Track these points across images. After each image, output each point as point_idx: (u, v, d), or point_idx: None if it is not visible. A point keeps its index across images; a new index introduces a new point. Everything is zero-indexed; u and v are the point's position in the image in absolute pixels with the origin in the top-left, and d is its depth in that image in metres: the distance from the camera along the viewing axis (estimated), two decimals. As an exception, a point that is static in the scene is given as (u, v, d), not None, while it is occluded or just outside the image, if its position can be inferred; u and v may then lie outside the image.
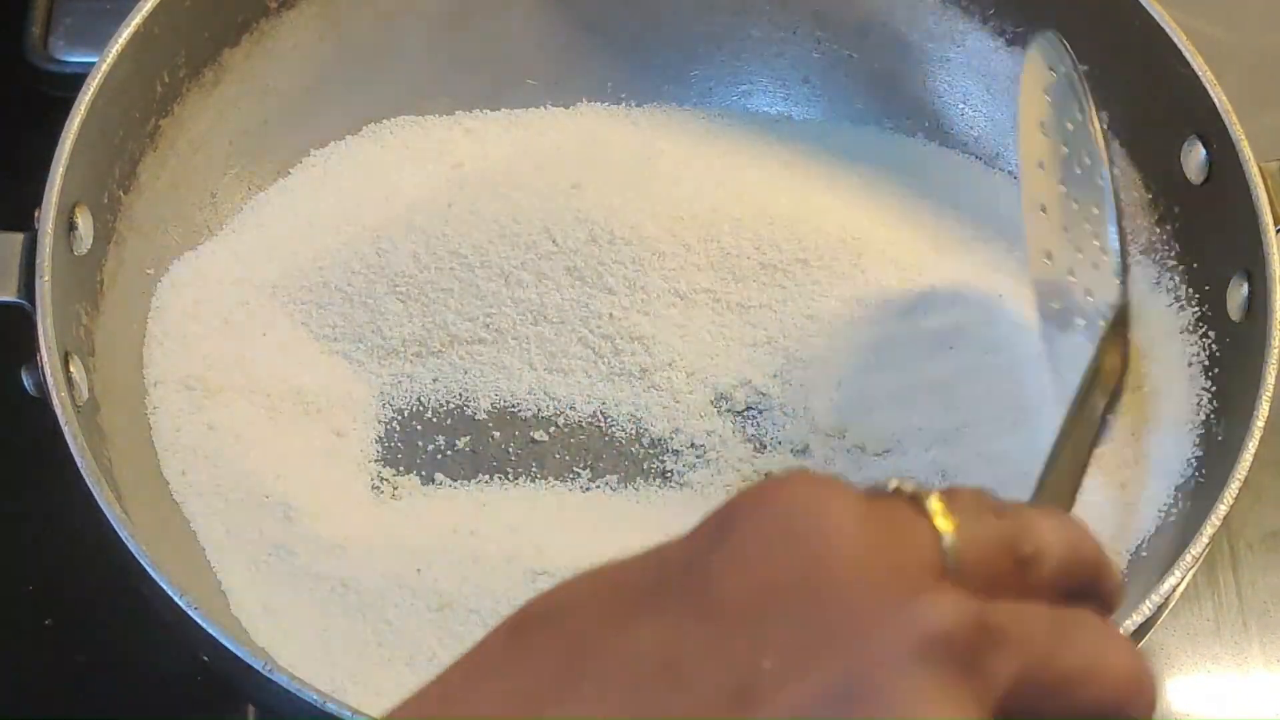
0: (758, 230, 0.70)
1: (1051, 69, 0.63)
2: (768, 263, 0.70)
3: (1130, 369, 0.63)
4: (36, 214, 0.61)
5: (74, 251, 0.63)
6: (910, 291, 0.70)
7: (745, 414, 0.69)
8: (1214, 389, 0.66)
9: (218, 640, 0.54)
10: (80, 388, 0.61)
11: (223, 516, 0.64)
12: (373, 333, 0.69)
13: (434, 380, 0.69)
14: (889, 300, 0.70)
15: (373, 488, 0.67)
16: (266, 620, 0.62)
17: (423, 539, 0.64)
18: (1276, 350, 0.61)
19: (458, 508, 0.66)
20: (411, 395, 0.69)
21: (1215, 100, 0.65)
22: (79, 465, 0.57)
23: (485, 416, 0.69)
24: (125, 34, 0.65)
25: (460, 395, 0.69)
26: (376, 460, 0.68)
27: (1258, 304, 0.63)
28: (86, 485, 0.57)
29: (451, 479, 0.68)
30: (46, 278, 0.60)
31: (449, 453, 0.68)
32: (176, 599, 0.55)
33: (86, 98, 0.63)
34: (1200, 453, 0.65)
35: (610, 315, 0.69)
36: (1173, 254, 0.69)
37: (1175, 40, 0.66)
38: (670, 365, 0.69)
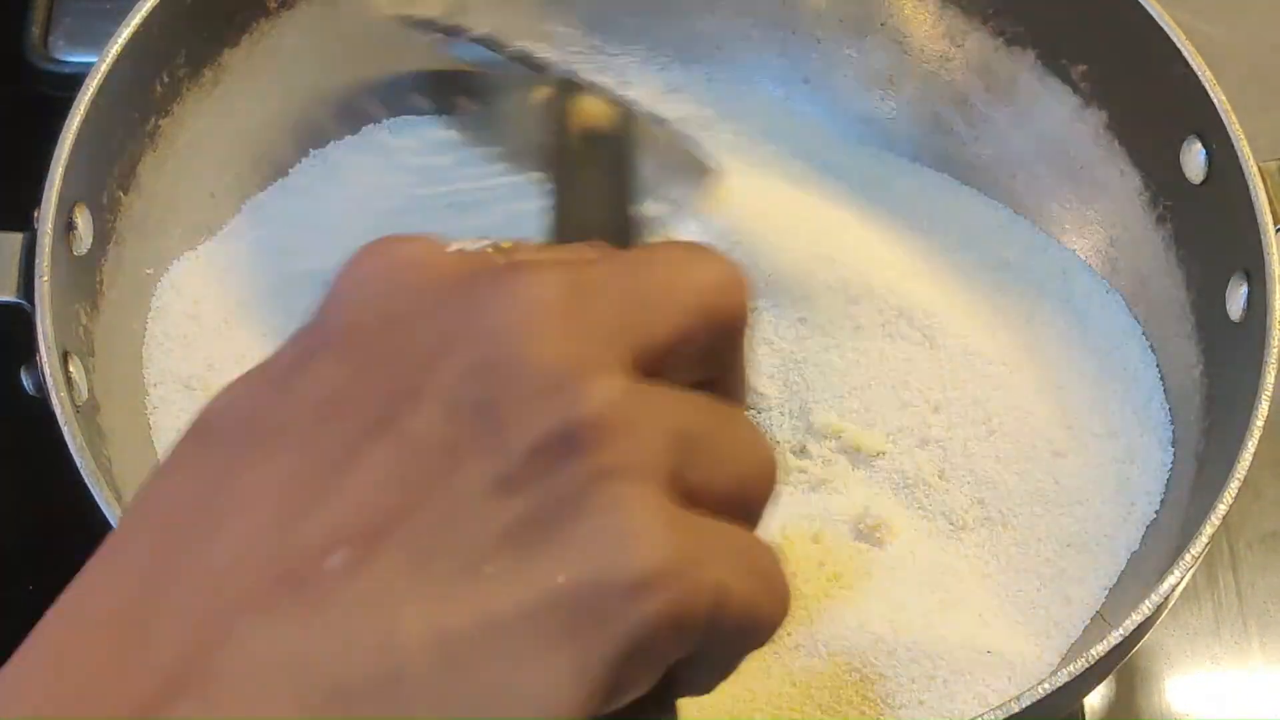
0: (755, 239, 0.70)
1: None
2: (763, 267, 0.70)
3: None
4: (36, 214, 0.61)
5: (73, 251, 0.63)
6: (902, 296, 0.70)
7: (744, 414, 0.69)
8: (1213, 389, 0.66)
9: (217, 640, 0.54)
10: (80, 388, 0.61)
11: (222, 516, 0.64)
12: (372, 333, 0.69)
13: (432, 380, 0.69)
14: (883, 305, 0.70)
15: (372, 487, 0.67)
16: (266, 620, 0.62)
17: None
18: (1276, 350, 0.61)
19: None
20: (410, 395, 0.69)
21: (1215, 100, 0.65)
22: (79, 465, 0.57)
23: (485, 416, 0.69)
24: (125, 34, 0.65)
25: (458, 395, 0.69)
26: (375, 460, 0.68)
27: (1257, 304, 0.63)
28: (86, 485, 0.57)
29: (450, 479, 0.68)
30: (46, 278, 0.60)
31: (448, 452, 0.68)
32: (176, 599, 0.55)
33: (86, 98, 0.63)
34: (1200, 452, 0.65)
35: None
36: (1172, 254, 0.69)
37: (1175, 40, 0.66)
38: (669, 366, 0.69)
